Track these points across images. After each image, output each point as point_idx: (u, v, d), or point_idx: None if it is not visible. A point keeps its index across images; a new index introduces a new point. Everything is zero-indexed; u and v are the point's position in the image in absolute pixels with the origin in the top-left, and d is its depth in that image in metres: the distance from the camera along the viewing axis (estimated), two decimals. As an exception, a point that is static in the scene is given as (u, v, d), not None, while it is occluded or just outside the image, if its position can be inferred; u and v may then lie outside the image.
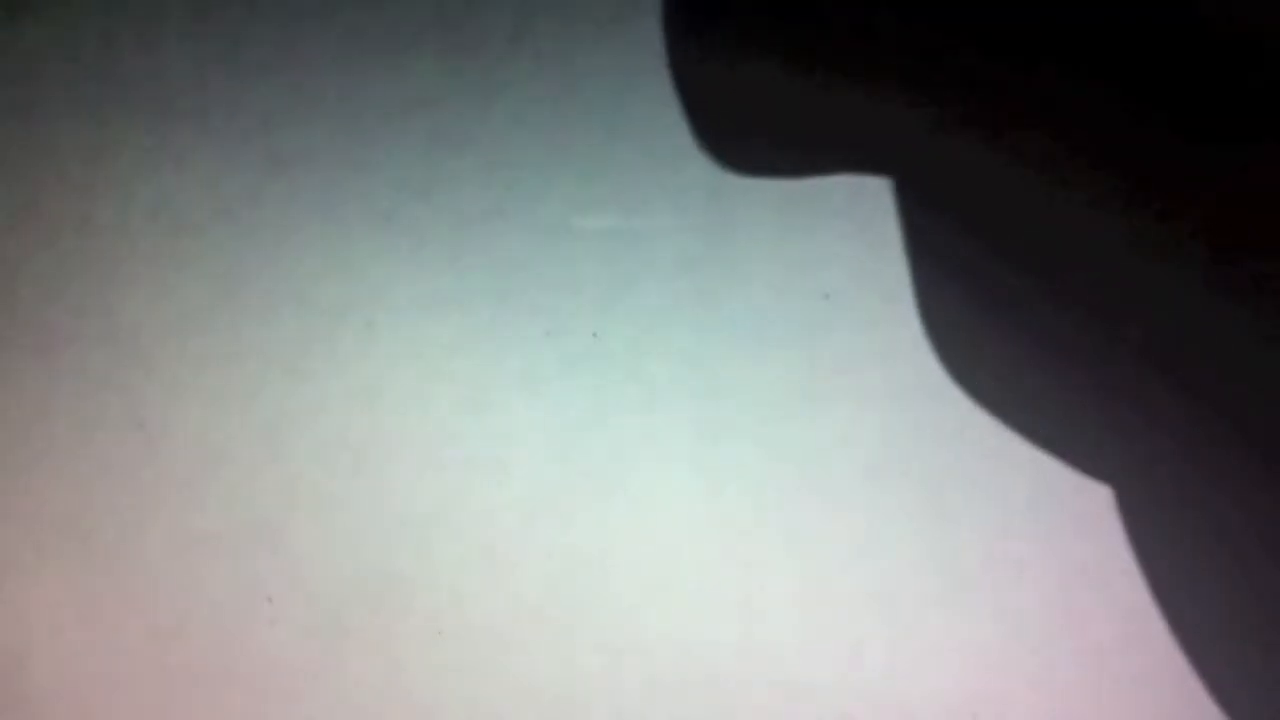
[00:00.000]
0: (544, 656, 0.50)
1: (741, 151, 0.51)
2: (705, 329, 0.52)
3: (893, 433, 0.50)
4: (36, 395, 0.53)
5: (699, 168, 0.52)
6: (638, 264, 0.52)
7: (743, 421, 0.51)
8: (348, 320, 0.53)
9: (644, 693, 0.49)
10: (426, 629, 0.50)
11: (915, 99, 0.49)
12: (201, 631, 0.51)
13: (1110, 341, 0.47)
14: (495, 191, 0.53)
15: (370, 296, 0.53)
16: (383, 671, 0.50)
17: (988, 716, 0.48)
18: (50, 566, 0.52)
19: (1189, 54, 0.46)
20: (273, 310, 0.54)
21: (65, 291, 0.53)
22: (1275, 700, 0.45)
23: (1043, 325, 0.48)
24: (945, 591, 0.49)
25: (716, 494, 0.50)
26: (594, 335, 0.52)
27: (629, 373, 0.52)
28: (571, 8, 0.54)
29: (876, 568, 0.49)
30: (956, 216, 0.49)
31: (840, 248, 0.51)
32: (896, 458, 0.50)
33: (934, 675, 0.48)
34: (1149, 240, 0.46)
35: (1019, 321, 0.48)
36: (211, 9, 0.56)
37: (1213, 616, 0.46)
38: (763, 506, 0.50)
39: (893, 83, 0.49)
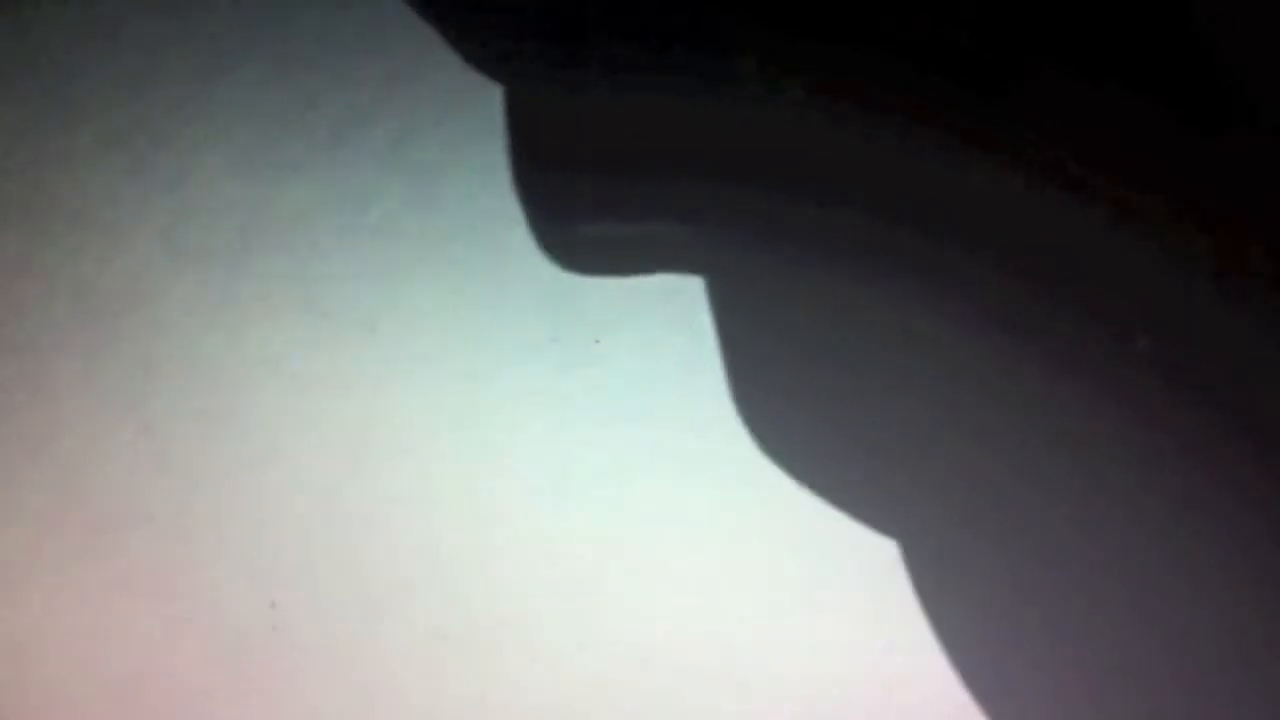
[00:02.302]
0: (547, 662, 0.50)
1: (578, 253, 0.52)
2: (704, 339, 0.51)
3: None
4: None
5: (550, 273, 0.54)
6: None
7: (745, 428, 0.50)
8: (351, 325, 0.54)
9: (645, 697, 0.49)
10: (430, 634, 0.50)
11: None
12: (204, 636, 0.51)
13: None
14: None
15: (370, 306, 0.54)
16: (387, 676, 0.50)
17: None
18: (52, 571, 0.52)
19: (1189, 54, 0.46)
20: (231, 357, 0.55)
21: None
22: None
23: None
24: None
25: (719, 502, 0.51)
26: (596, 342, 0.52)
27: (631, 380, 0.52)
28: (435, 134, 0.58)
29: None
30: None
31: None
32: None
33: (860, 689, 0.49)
34: (1148, 242, 0.45)
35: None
36: (119, 133, 0.60)
37: (1213, 618, 0.45)
38: (764, 511, 0.50)
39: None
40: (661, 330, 0.53)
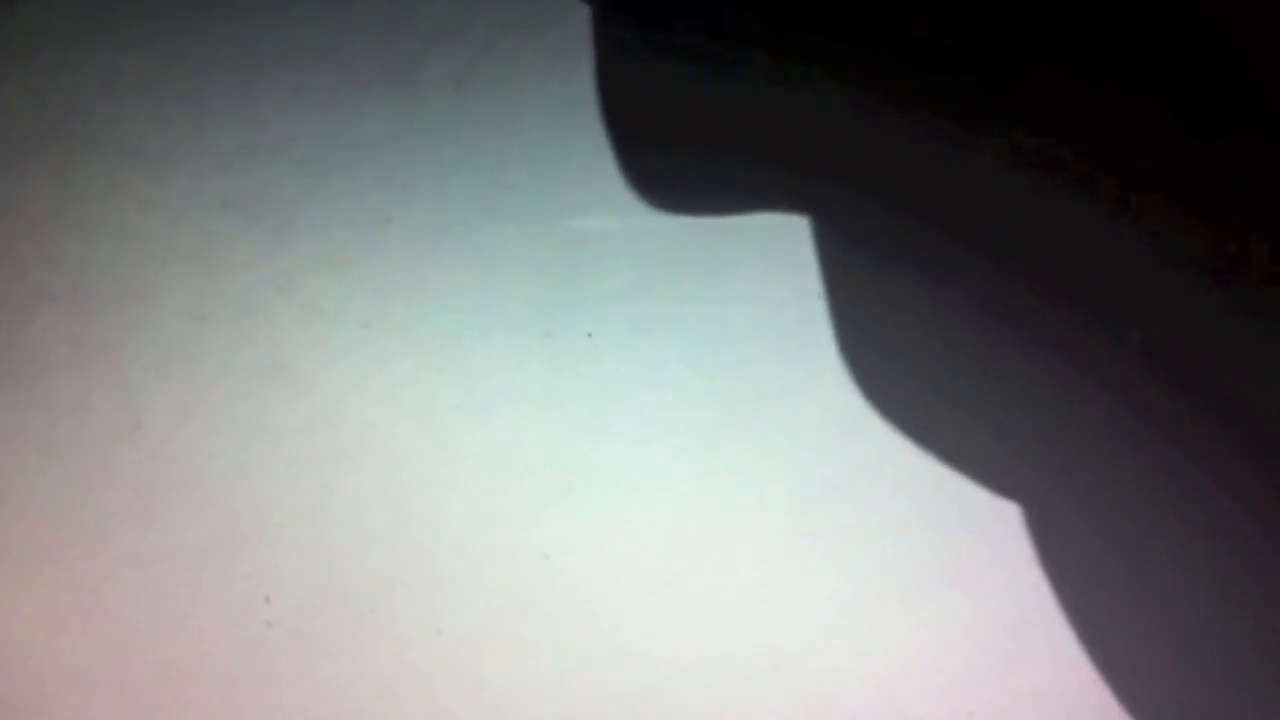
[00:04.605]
0: (541, 655, 0.49)
1: (668, 192, 0.52)
2: (702, 333, 0.52)
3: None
4: (11, 417, 0.54)
5: (622, 218, 0.53)
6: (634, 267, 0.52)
7: (740, 422, 0.51)
8: (344, 322, 0.54)
9: (643, 691, 0.49)
10: (424, 629, 0.50)
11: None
12: (200, 631, 0.51)
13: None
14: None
15: (365, 302, 0.54)
16: (381, 671, 0.50)
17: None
18: (49, 566, 0.52)
19: (1189, 54, 0.46)
20: (255, 318, 0.54)
21: (33, 321, 0.55)
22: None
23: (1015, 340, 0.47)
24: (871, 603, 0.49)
25: (713, 495, 0.51)
26: (589, 336, 0.52)
27: (623, 374, 0.52)
28: (508, 60, 0.56)
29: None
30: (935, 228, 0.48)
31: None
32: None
33: (860, 684, 0.48)
34: (1148, 242, 0.46)
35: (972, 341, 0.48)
36: (172, 60, 0.58)
37: (1208, 613, 0.46)
38: (763, 507, 0.50)
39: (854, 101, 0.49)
40: (651, 323, 0.53)
